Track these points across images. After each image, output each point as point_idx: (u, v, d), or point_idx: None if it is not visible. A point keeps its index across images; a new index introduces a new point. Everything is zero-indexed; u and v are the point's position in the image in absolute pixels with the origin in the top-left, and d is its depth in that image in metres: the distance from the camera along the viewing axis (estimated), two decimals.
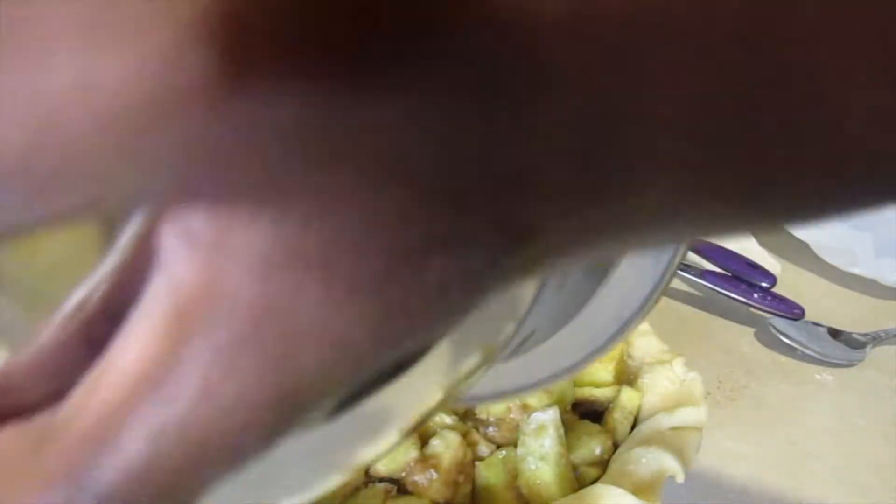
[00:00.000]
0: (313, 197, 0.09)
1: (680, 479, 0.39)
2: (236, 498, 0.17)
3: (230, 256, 0.09)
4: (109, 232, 0.11)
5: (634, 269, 0.24)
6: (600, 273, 0.25)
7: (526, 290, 0.19)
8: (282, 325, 0.10)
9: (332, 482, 0.18)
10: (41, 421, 0.11)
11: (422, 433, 0.42)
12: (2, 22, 0.08)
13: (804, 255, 0.70)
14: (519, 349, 0.27)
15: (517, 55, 0.09)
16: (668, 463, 0.39)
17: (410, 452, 0.40)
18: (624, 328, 0.25)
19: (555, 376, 0.26)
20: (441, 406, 0.19)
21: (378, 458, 0.19)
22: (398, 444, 0.19)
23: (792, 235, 0.69)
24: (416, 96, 0.09)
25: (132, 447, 0.10)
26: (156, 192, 0.09)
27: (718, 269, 0.65)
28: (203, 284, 0.10)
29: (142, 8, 0.08)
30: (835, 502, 0.49)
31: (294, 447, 0.16)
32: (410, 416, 0.18)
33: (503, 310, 0.19)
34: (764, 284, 0.64)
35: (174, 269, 0.10)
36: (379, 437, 0.18)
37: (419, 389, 0.17)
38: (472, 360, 0.18)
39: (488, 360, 0.19)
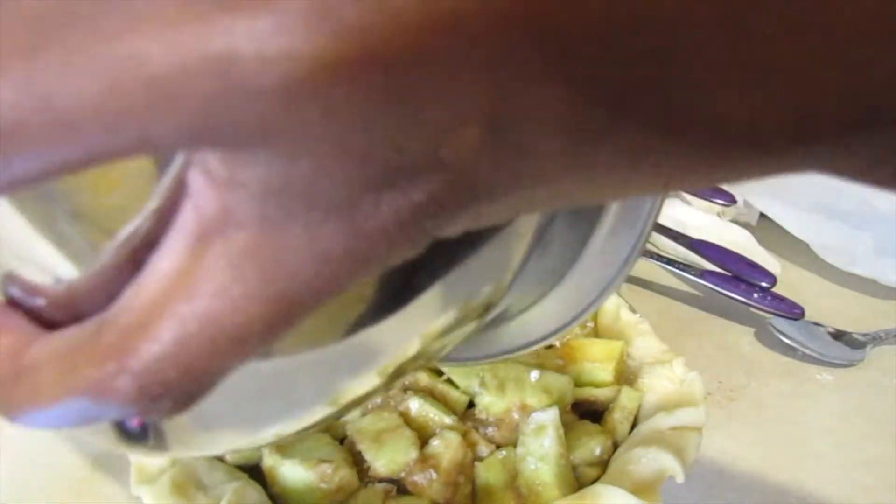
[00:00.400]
0: (297, 142, 0.11)
1: (680, 479, 0.39)
2: (239, 413, 0.19)
3: (238, 187, 0.12)
4: (152, 183, 0.14)
5: (611, 236, 0.26)
6: (581, 239, 0.26)
7: (511, 254, 0.20)
8: (276, 240, 0.13)
9: (317, 413, 0.20)
10: (99, 317, 0.14)
11: (422, 433, 0.42)
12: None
13: (804, 255, 0.70)
14: (506, 314, 0.28)
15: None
16: (667, 463, 0.39)
17: (410, 453, 0.40)
18: (607, 289, 0.27)
19: (543, 338, 0.28)
20: (419, 358, 0.20)
21: (358, 400, 0.20)
22: (377, 390, 0.20)
23: (792, 235, 0.69)
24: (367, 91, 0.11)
25: (163, 334, 0.13)
26: (188, 132, 0.11)
27: (718, 269, 0.65)
28: (219, 209, 0.13)
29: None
30: (835, 502, 0.49)
31: (290, 369, 0.18)
32: (390, 359, 0.19)
33: (486, 272, 0.20)
34: (764, 284, 0.64)
35: (197, 198, 0.13)
36: (361, 374, 0.20)
37: (400, 334, 0.19)
38: (448, 316, 0.19)
39: (465, 319, 0.20)
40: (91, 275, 0.15)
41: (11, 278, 0.16)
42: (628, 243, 0.26)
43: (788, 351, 0.61)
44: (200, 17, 0.10)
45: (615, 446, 0.43)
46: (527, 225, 0.20)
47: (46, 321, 0.15)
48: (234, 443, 0.20)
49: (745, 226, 0.74)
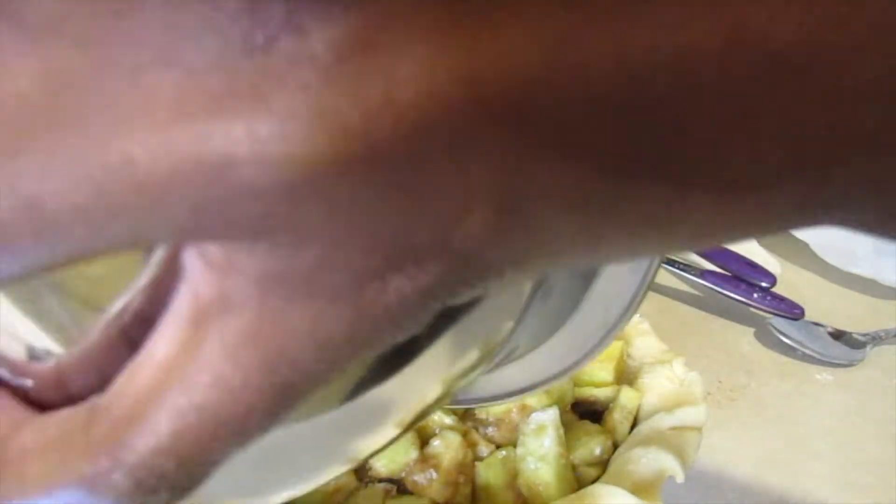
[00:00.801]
0: (300, 235, 0.11)
1: (680, 479, 0.39)
2: (244, 485, 0.18)
3: (237, 274, 0.12)
4: (144, 254, 0.13)
5: (614, 280, 0.26)
6: (585, 282, 0.26)
7: (520, 296, 0.20)
8: (276, 326, 0.12)
9: (331, 473, 0.19)
10: (89, 404, 0.14)
11: (422, 433, 0.42)
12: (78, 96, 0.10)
13: (804, 255, 0.70)
14: (512, 355, 0.28)
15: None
16: (667, 463, 0.39)
17: (411, 453, 0.40)
18: (610, 333, 0.26)
19: (547, 381, 0.28)
20: (440, 402, 0.20)
21: (376, 452, 0.20)
22: (396, 439, 0.20)
23: (792, 235, 0.69)
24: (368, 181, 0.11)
25: (158, 427, 0.12)
26: (181, 232, 0.11)
27: (718, 269, 0.65)
28: (216, 295, 0.12)
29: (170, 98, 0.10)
30: (835, 502, 0.49)
31: (298, 436, 0.17)
32: (410, 410, 0.19)
33: (500, 312, 0.19)
34: (764, 284, 0.64)
35: (194, 283, 0.12)
36: (378, 430, 0.19)
37: (419, 383, 0.19)
38: (470, 357, 0.19)
39: (487, 357, 0.20)
40: (80, 353, 0.14)
41: None
42: (632, 287, 0.26)
43: (788, 351, 0.61)
44: (192, 119, 0.10)
45: (615, 446, 0.43)
46: (520, 285, 0.20)
47: (35, 402, 0.15)
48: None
49: None
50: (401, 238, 0.12)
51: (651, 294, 0.64)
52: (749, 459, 0.51)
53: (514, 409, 0.42)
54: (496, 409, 0.43)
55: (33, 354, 0.15)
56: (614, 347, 0.47)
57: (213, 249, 0.12)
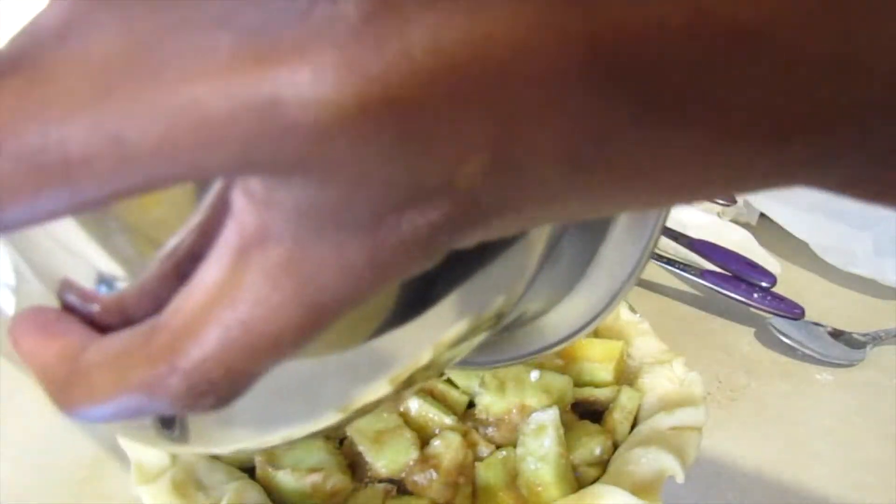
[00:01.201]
0: (327, 172, 0.13)
1: (680, 479, 0.39)
2: (242, 420, 0.20)
3: (275, 208, 0.14)
4: (192, 198, 0.16)
5: (620, 247, 0.28)
6: (591, 251, 0.28)
7: (523, 266, 0.21)
8: (308, 254, 0.14)
9: (322, 420, 0.21)
10: (149, 323, 0.16)
11: (422, 434, 0.42)
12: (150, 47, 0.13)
13: (804, 255, 0.70)
14: (521, 319, 0.29)
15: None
16: (667, 463, 0.39)
17: (411, 453, 0.40)
18: (615, 298, 0.29)
19: (555, 344, 0.30)
20: (429, 369, 0.21)
21: (366, 408, 0.21)
22: (386, 400, 0.21)
23: (792, 235, 0.69)
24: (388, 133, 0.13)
25: (209, 337, 0.15)
26: (232, 165, 0.13)
27: (718, 269, 0.65)
28: (258, 225, 0.14)
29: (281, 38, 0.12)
30: (835, 502, 0.49)
31: (298, 377, 0.19)
32: (403, 367, 0.20)
33: (499, 282, 0.21)
34: (764, 284, 0.64)
35: (239, 216, 0.14)
36: (373, 381, 0.21)
37: (414, 342, 0.20)
38: (460, 327, 0.20)
39: (475, 330, 0.21)
40: (139, 283, 0.17)
41: (69, 285, 0.18)
42: (636, 252, 0.28)
43: (788, 351, 0.61)
44: (246, 69, 0.12)
45: (615, 446, 0.43)
46: (538, 237, 0.21)
47: (99, 325, 0.17)
48: (244, 441, 0.21)
49: (745, 226, 0.74)
50: (413, 177, 0.13)
51: (651, 294, 0.64)
52: (749, 459, 0.51)
53: (514, 410, 0.42)
54: (496, 409, 0.43)
55: (101, 279, 0.17)
56: (614, 348, 0.47)
57: (256, 186, 0.14)
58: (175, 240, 0.16)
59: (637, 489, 0.38)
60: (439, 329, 0.20)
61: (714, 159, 0.14)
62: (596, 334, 0.49)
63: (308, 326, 0.15)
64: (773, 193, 0.70)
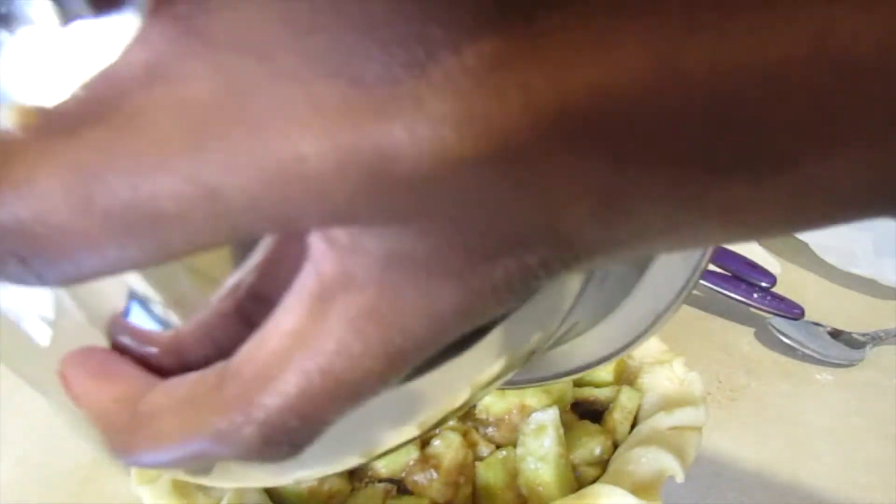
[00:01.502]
0: (433, 218, 0.13)
1: (679, 478, 0.39)
2: (262, 473, 0.20)
3: (361, 254, 0.13)
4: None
5: (667, 268, 0.27)
6: (638, 270, 0.28)
7: (564, 299, 0.21)
8: (395, 301, 0.14)
9: (343, 463, 0.21)
10: (218, 367, 0.15)
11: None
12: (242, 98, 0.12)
13: (804, 255, 0.70)
14: (562, 339, 0.29)
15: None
16: (667, 463, 0.39)
17: (411, 453, 0.40)
18: (658, 320, 0.28)
19: (596, 363, 0.29)
20: (462, 408, 0.20)
21: (389, 451, 0.20)
22: (409, 442, 0.20)
23: (792, 235, 0.69)
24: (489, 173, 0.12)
25: (287, 388, 0.14)
26: (331, 219, 0.13)
27: (718, 269, 0.65)
28: (340, 272, 0.14)
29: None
30: (835, 502, 0.49)
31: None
32: (436, 410, 0.20)
33: (529, 324, 0.20)
34: (764, 284, 0.64)
35: (319, 262, 0.14)
36: (401, 425, 0.20)
37: (452, 383, 0.20)
38: (498, 365, 0.19)
39: (509, 368, 0.20)
40: (197, 323, 0.16)
41: (121, 325, 0.17)
42: (683, 275, 0.27)
43: (788, 351, 0.61)
44: (358, 122, 0.11)
45: (615, 446, 0.43)
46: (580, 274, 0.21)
47: (153, 367, 0.17)
48: (260, 480, 0.21)
49: None
50: (515, 224, 0.13)
51: None
52: (749, 459, 0.51)
53: (514, 410, 0.42)
54: (496, 409, 0.43)
55: (156, 321, 0.17)
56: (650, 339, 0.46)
57: (340, 233, 0.13)
58: (235, 278, 0.16)
59: (637, 489, 0.38)
60: (477, 370, 0.20)
61: (812, 205, 0.14)
62: None
63: (388, 373, 0.15)
64: None
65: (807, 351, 0.60)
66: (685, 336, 0.61)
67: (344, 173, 0.12)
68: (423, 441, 0.41)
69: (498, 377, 0.21)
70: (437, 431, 0.42)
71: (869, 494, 0.50)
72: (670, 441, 0.41)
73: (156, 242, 0.12)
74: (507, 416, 0.42)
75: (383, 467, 0.40)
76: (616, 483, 0.38)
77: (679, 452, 0.40)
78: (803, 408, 0.56)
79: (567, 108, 0.12)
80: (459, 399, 0.20)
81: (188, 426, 0.15)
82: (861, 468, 0.51)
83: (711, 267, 0.66)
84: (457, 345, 0.18)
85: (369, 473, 0.40)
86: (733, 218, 0.14)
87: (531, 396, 0.43)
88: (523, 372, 0.29)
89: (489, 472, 0.41)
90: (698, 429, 0.42)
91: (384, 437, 0.20)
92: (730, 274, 0.65)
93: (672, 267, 0.27)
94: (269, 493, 0.38)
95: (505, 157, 0.12)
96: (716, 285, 0.64)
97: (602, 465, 0.41)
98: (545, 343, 0.22)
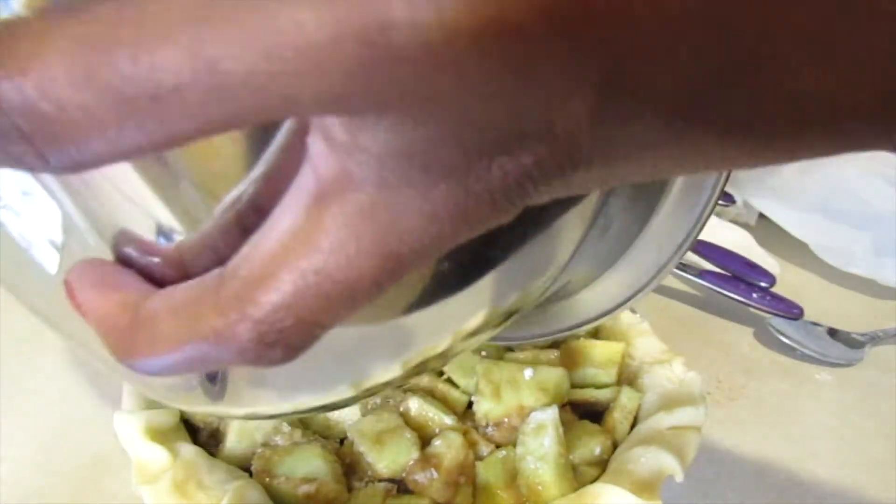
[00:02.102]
0: (426, 109, 0.12)
1: (679, 478, 0.39)
2: (274, 385, 0.20)
3: (359, 151, 0.13)
4: (254, 150, 0.15)
5: (669, 219, 0.27)
6: (640, 222, 0.27)
7: (561, 242, 0.21)
8: (390, 200, 0.14)
9: (333, 394, 0.21)
10: (215, 272, 0.15)
11: (423, 434, 0.42)
12: None
13: (803, 255, 0.70)
14: (564, 291, 0.28)
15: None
16: (667, 462, 0.39)
17: (412, 453, 0.40)
18: (660, 272, 0.28)
19: (598, 317, 0.29)
20: (442, 357, 0.21)
21: (375, 388, 0.21)
22: (394, 381, 0.20)
23: (791, 235, 0.69)
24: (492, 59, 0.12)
25: (282, 286, 0.14)
26: (329, 99, 0.12)
27: (717, 269, 0.65)
28: (338, 171, 0.14)
29: None
30: (834, 502, 0.49)
31: (332, 343, 0.18)
32: (419, 352, 0.20)
33: (512, 278, 0.20)
34: (763, 284, 0.64)
35: (317, 161, 0.14)
36: (387, 361, 0.20)
37: (436, 326, 0.20)
38: (478, 318, 0.19)
39: (489, 325, 0.21)
40: (199, 235, 0.16)
41: (126, 237, 0.17)
42: (685, 227, 0.27)
43: (787, 351, 0.61)
44: None
45: (615, 446, 0.43)
46: (582, 214, 0.21)
47: (158, 279, 0.17)
48: (264, 406, 0.21)
49: (745, 226, 0.74)
50: (512, 117, 0.13)
51: (650, 294, 0.64)
52: (748, 459, 0.51)
53: (513, 413, 0.42)
54: (495, 414, 0.43)
55: (160, 231, 0.17)
56: (616, 351, 0.46)
57: (337, 130, 0.13)
58: (237, 191, 0.16)
59: (636, 488, 0.38)
60: (463, 316, 0.20)
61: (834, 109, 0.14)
62: (595, 334, 0.50)
63: (383, 278, 0.14)
64: (772, 193, 0.70)
65: (806, 351, 0.60)
66: (685, 336, 0.61)
67: (340, 44, 0.11)
68: (424, 441, 0.41)
69: (480, 329, 0.21)
70: (436, 431, 0.42)
71: (868, 494, 0.50)
72: (670, 441, 0.41)
73: (158, 121, 0.12)
74: (506, 420, 0.42)
75: (384, 468, 0.40)
76: (616, 482, 0.38)
77: (678, 452, 0.40)
78: (802, 407, 0.56)
79: None
80: (441, 345, 0.20)
81: (186, 327, 0.15)
82: (860, 468, 0.51)
83: (711, 267, 0.66)
84: (453, 283, 0.19)
85: (369, 473, 0.40)
86: (734, 130, 0.14)
87: (528, 396, 0.43)
88: (524, 326, 0.29)
89: (489, 472, 0.41)
90: (698, 428, 0.42)
91: (371, 368, 0.20)
92: (729, 274, 0.65)
93: (675, 218, 0.27)
94: (270, 492, 0.39)
95: (503, 36, 0.12)
96: (715, 285, 0.64)
97: (602, 465, 0.41)
98: (534, 300, 0.22)
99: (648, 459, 0.40)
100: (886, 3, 0.12)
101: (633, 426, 0.44)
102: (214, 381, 0.20)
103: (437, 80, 0.12)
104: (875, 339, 0.62)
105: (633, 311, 0.50)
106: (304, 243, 0.14)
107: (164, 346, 0.15)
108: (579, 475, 0.41)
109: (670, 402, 0.43)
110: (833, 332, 0.63)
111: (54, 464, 0.47)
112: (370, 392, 0.21)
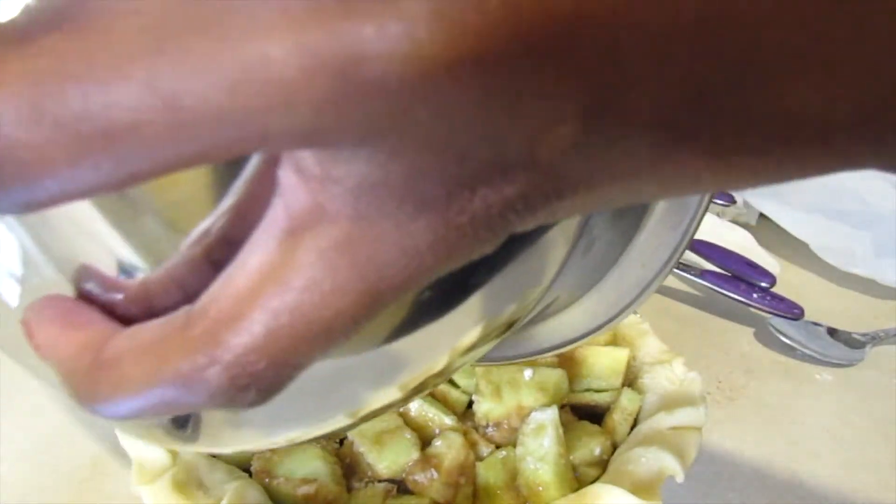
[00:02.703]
0: (403, 140, 0.12)
1: (679, 478, 0.39)
2: (250, 421, 0.19)
3: (332, 184, 0.13)
4: (223, 180, 0.14)
5: (654, 237, 0.26)
6: (624, 239, 0.26)
7: (548, 260, 0.20)
8: (367, 234, 0.13)
9: (330, 424, 0.20)
10: (183, 310, 0.15)
11: (423, 434, 0.42)
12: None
13: (803, 255, 0.70)
14: (548, 311, 0.28)
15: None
16: (667, 463, 0.39)
17: (412, 454, 0.40)
18: (645, 291, 0.27)
19: (582, 337, 0.28)
20: (441, 375, 0.20)
21: (373, 414, 0.20)
22: (393, 406, 0.20)
23: (791, 235, 0.69)
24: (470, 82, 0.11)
25: (254, 326, 0.13)
26: (299, 135, 0.11)
27: (718, 269, 0.65)
28: (311, 205, 0.13)
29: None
30: (834, 502, 0.49)
31: (311, 378, 0.17)
32: (416, 375, 0.19)
33: (504, 294, 0.20)
34: (763, 284, 0.64)
35: (288, 194, 0.13)
36: (384, 387, 0.20)
37: (431, 348, 0.19)
38: (474, 333, 0.19)
39: (486, 338, 0.20)
40: (166, 271, 0.16)
41: (87, 272, 0.16)
42: (670, 245, 0.26)
43: (788, 351, 0.61)
44: (326, 21, 0.11)
45: (615, 447, 0.43)
46: (562, 235, 0.21)
47: (121, 316, 0.16)
48: (251, 443, 0.20)
49: (745, 226, 0.74)
50: (494, 147, 0.12)
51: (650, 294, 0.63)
52: (749, 459, 0.51)
53: (513, 414, 0.42)
54: (495, 415, 0.43)
55: (123, 267, 0.16)
56: (620, 360, 0.46)
57: (309, 161, 0.13)
58: (205, 224, 0.15)
59: (637, 489, 0.38)
60: (457, 334, 0.19)
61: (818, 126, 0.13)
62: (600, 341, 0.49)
63: (361, 314, 0.14)
64: (773, 193, 0.70)
65: (806, 351, 0.60)
66: (685, 336, 0.61)
67: (311, 77, 0.11)
68: (424, 441, 0.41)
69: (477, 345, 0.20)
70: (436, 431, 0.42)
71: (868, 494, 0.50)
72: (670, 441, 0.41)
73: (114, 160, 0.11)
74: (506, 421, 0.42)
75: (385, 469, 0.40)
76: (616, 483, 0.38)
77: (679, 452, 0.40)
78: (803, 407, 0.56)
79: (550, 19, 0.11)
80: (439, 364, 0.20)
81: (152, 370, 0.14)
82: (860, 468, 0.51)
83: (711, 267, 0.66)
84: (437, 307, 0.18)
85: (369, 474, 0.40)
86: (722, 152, 0.13)
87: (527, 396, 0.42)
88: (508, 346, 0.28)
89: (489, 472, 0.41)
90: (698, 429, 0.42)
91: (367, 396, 0.19)
92: (729, 274, 0.65)
93: (659, 236, 0.26)
94: (269, 492, 0.39)
95: (481, 66, 0.11)
96: (715, 285, 0.64)
97: (602, 466, 0.41)
98: (526, 313, 0.21)
99: (649, 460, 0.40)
100: (874, 21, 0.12)
101: (633, 427, 0.44)
102: (185, 426, 0.19)
103: (413, 112, 0.11)
104: (875, 339, 0.62)
105: (633, 311, 0.50)
106: (275, 281, 0.13)
107: (128, 390, 0.14)
108: (579, 476, 0.41)
109: (670, 402, 0.43)
110: (833, 332, 0.63)
111: (54, 464, 0.47)
112: (369, 417, 0.20)
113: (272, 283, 0.13)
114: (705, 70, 0.12)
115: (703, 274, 0.65)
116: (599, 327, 0.28)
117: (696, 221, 0.25)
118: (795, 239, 0.69)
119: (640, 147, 0.13)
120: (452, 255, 0.14)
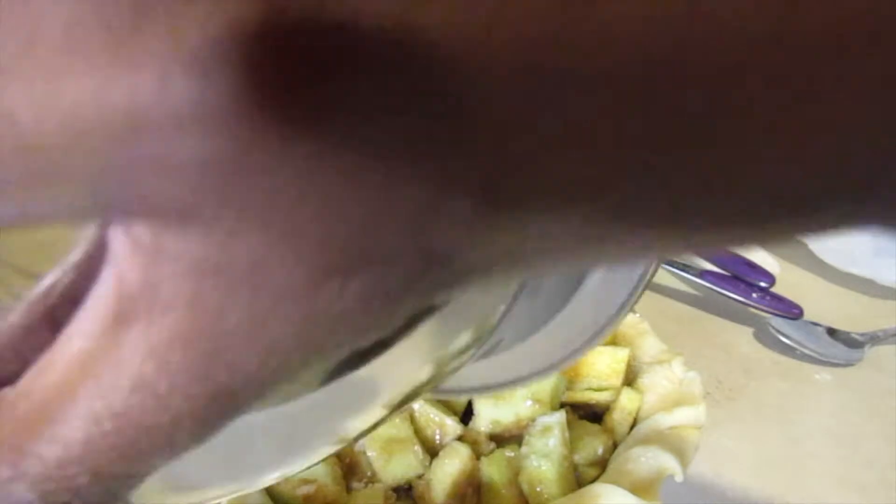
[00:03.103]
0: (236, 215, 0.09)
1: (679, 478, 0.39)
2: (225, 469, 0.17)
3: (166, 260, 0.10)
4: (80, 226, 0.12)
5: (608, 281, 0.25)
6: (575, 281, 0.25)
7: (489, 306, 0.19)
8: (211, 326, 0.10)
9: (322, 453, 0.19)
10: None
11: (429, 446, 0.42)
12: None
13: (803, 255, 0.70)
14: (495, 349, 0.27)
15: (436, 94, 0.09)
16: (667, 462, 0.39)
17: (419, 469, 0.40)
18: (597, 336, 0.25)
19: (529, 377, 0.27)
20: (432, 382, 0.19)
21: (365, 432, 0.19)
22: (386, 419, 0.19)
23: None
24: (330, 137, 0.09)
25: (68, 433, 0.11)
26: (105, 205, 0.09)
27: (717, 269, 0.65)
28: (142, 283, 0.10)
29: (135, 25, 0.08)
30: (834, 502, 0.49)
31: (284, 416, 0.16)
32: (398, 391, 0.18)
33: (494, 295, 0.19)
34: (763, 284, 0.64)
35: (119, 265, 0.10)
36: (365, 411, 0.18)
37: (407, 364, 0.17)
38: (464, 338, 0.18)
39: (481, 339, 0.19)
40: (1, 332, 0.13)
41: None
42: (626, 287, 0.24)
43: (787, 350, 0.61)
44: (87, 63, 0.08)
45: (615, 446, 0.43)
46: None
47: None
48: (230, 492, 0.18)
49: None
50: (364, 232, 0.10)
51: (650, 294, 0.64)
52: (748, 459, 0.51)
53: (512, 428, 0.43)
54: (496, 430, 0.43)
55: None
56: (620, 360, 0.46)
57: (141, 228, 0.10)
58: (47, 281, 0.12)
59: (636, 488, 0.38)
60: (436, 346, 0.18)
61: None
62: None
63: (211, 419, 0.11)
64: None
65: (805, 351, 0.60)
66: (684, 336, 0.61)
67: (78, 140, 0.08)
68: (432, 454, 0.41)
69: (468, 347, 0.19)
70: (438, 440, 0.42)
71: (868, 494, 0.50)
72: (670, 440, 0.41)
73: None
74: (506, 434, 0.42)
75: (389, 476, 0.40)
76: (615, 482, 0.38)
77: (678, 452, 0.40)
78: (802, 407, 0.56)
79: (415, 53, 0.08)
80: (422, 375, 0.18)
81: None
82: (860, 468, 0.51)
83: (710, 266, 0.66)
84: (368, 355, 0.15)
85: (368, 474, 0.40)
86: (676, 220, 0.11)
87: (525, 409, 0.42)
88: (453, 381, 0.27)
89: (492, 469, 0.41)
90: (697, 428, 0.42)
91: (352, 423, 0.18)
92: (729, 274, 0.65)
93: (614, 279, 0.24)
94: (269, 494, 0.39)
95: (320, 122, 0.08)
96: (715, 285, 0.64)
97: (602, 465, 0.41)
98: (474, 350, 0.20)
99: (648, 459, 0.40)
100: (867, 73, 0.09)
101: (632, 426, 0.44)
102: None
103: (236, 188, 0.09)
104: (875, 339, 0.62)
105: (632, 310, 0.50)
106: (97, 377, 0.10)
107: None
108: (580, 475, 0.41)
109: (670, 402, 0.43)
110: (833, 332, 0.63)
111: None
112: (358, 438, 0.18)
113: (92, 378, 0.11)
114: (656, 130, 0.09)
115: (703, 274, 0.65)
116: (547, 369, 0.25)
117: (653, 268, 0.24)
118: (795, 239, 0.69)
119: (559, 225, 0.10)
120: (326, 351, 0.11)
